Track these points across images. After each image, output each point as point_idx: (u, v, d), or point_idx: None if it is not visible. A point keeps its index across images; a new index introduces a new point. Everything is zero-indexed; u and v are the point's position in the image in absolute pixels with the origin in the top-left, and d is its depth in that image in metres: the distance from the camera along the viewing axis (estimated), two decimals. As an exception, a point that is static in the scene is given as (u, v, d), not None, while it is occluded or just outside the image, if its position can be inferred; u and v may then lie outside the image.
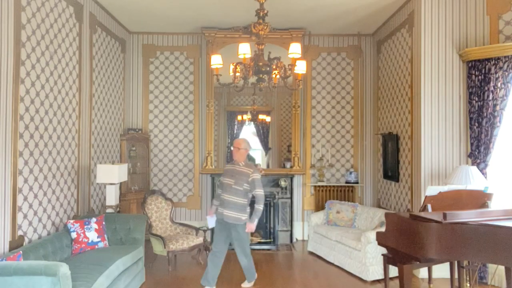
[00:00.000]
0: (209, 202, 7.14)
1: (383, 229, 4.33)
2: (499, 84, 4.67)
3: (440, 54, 5.21)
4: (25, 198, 4.02)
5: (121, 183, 5.91)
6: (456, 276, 4.29)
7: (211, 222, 4.79)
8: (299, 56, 4.38)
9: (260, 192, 4.53)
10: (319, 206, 7.06)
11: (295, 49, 4.29)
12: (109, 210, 5.23)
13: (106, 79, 6.14)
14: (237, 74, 4.32)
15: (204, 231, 6.03)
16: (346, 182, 7.16)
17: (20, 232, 3.90)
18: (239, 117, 7.77)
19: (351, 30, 7.10)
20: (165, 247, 5.27)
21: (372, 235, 4.86)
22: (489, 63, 4.76)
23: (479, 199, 4.03)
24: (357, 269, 5.17)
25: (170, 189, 7.32)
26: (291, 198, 6.93)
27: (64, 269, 3.03)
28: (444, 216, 3.28)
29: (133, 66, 7.36)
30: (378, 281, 5.02)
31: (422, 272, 5.09)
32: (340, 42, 7.41)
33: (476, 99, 4.90)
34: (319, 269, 5.55)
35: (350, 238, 5.36)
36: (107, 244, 4.62)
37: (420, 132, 5.22)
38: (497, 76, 4.68)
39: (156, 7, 6.02)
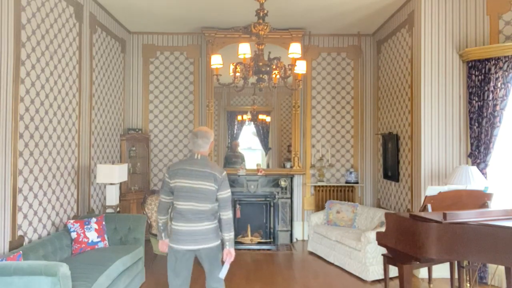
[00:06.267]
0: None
1: (383, 229, 4.33)
2: (499, 84, 4.67)
3: (440, 54, 5.21)
4: (25, 198, 4.01)
5: (121, 183, 5.91)
6: (456, 276, 4.29)
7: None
8: (299, 56, 4.38)
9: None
10: (319, 206, 7.06)
11: (295, 49, 4.29)
12: (109, 210, 5.23)
13: (106, 79, 6.14)
14: (237, 74, 4.32)
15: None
16: (346, 182, 7.16)
17: (20, 232, 3.90)
18: (239, 117, 7.77)
19: (351, 30, 7.10)
20: (165, 247, 5.26)
21: (372, 235, 4.86)
22: (489, 63, 4.76)
23: (479, 199, 4.03)
24: (357, 269, 5.17)
25: (170, 189, 7.30)
26: (291, 198, 6.93)
27: (64, 269, 3.03)
28: (444, 216, 3.28)
29: (133, 66, 7.36)
30: (378, 281, 5.02)
31: (422, 272, 5.09)
32: (340, 42, 7.41)
33: (476, 99, 4.90)
34: (319, 269, 5.55)
35: (350, 238, 5.36)
36: (107, 244, 4.62)
37: (420, 132, 5.22)
38: (497, 76, 4.68)
39: (156, 7, 6.02)
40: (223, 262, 3.27)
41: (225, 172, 3.29)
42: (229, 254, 3.26)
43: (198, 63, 7.38)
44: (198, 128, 3.45)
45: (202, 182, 3.19)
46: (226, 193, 3.24)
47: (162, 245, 3.45)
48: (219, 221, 3.31)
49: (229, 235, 3.25)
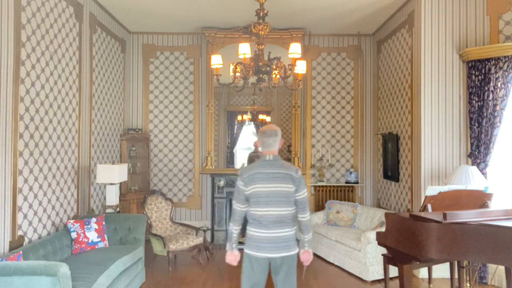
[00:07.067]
0: (209, 202, 7.13)
1: (383, 229, 4.33)
2: (499, 84, 4.66)
3: (440, 54, 5.21)
4: (25, 198, 4.01)
5: (121, 183, 5.91)
6: (456, 276, 4.29)
7: None
8: (299, 56, 4.38)
9: None
10: (319, 206, 7.05)
11: (295, 49, 4.30)
12: (109, 210, 5.23)
13: (106, 79, 6.14)
14: (237, 74, 4.33)
15: (204, 231, 6.03)
16: (346, 182, 7.16)
17: (20, 232, 3.90)
18: (239, 117, 7.77)
19: (351, 30, 7.10)
20: (165, 247, 5.27)
21: (372, 235, 4.86)
22: (489, 63, 4.76)
23: (479, 199, 4.03)
24: (357, 269, 5.17)
25: (170, 189, 7.32)
26: (291, 198, 6.92)
27: (64, 269, 3.03)
28: (444, 216, 3.28)
29: (133, 66, 7.36)
30: (378, 281, 5.02)
31: (422, 272, 5.09)
32: (340, 42, 7.41)
33: (476, 99, 4.90)
34: (319, 269, 5.54)
35: (350, 238, 5.36)
36: (107, 244, 4.62)
37: (420, 132, 5.22)
38: (497, 76, 4.68)
39: (156, 7, 6.02)
40: (301, 264, 3.19)
41: (300, 171, 3.08)
42: (308, 254, 3.14)
43: (198, 63, 7.38)
44: (266, 126, 3.20)
45: (280, 185, 2.97)
46: (303, 193, 3.05)
47: (231, 257, 3.13)
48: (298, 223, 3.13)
49: (309, 236, 3.13)
